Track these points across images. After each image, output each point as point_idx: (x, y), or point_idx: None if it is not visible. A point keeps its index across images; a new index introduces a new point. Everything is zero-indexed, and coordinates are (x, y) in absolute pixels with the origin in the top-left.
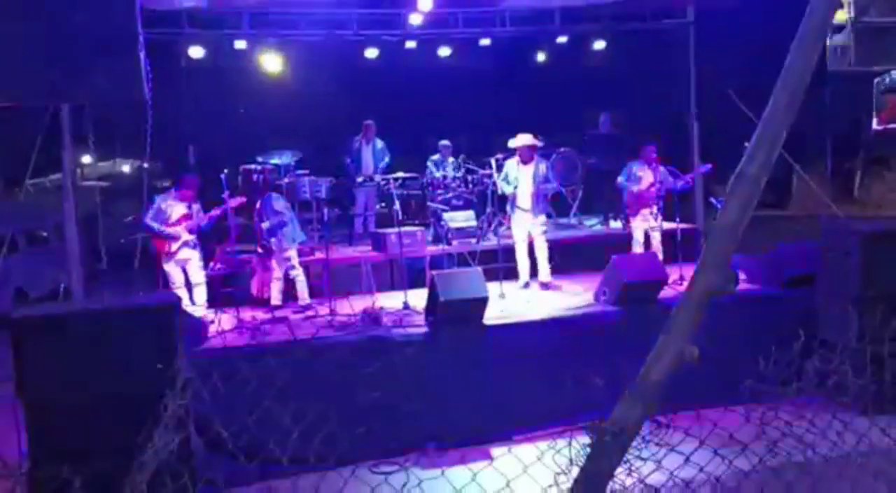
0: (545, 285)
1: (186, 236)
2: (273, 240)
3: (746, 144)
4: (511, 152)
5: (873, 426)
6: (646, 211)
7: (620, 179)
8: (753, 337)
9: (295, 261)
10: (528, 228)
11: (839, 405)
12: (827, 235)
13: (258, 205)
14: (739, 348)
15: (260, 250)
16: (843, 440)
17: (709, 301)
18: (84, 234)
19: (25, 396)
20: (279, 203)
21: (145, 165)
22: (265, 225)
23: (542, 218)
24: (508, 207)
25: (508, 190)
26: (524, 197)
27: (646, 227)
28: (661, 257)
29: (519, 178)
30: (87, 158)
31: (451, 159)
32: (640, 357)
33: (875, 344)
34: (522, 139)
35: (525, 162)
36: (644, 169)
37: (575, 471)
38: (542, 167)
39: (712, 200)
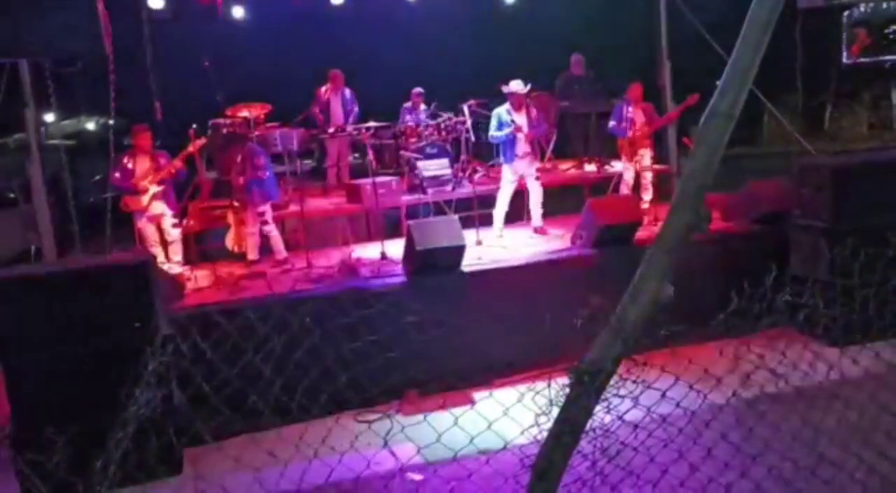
0: (539, 230)
1: (155, 189)
2: (248, 195)
3: (718, 82)
4: (490, 98)
5: (843, 356)
6: (642, 151)
7: (613, 123)
8: (727, 273)
9: (268, 217)
10: (521, 175)
11: (810, 337)
12: (798, 171)
13: (239, 158)
14: (713, 284)
15: (236, 204)
16: (815, 371)
17: (683, 241)
18: (52, 194)
19: (4, 358)
20: (261, 159)
21: (111, 123)
22: (242, 179)
23: (537, 164)
24: (502, 156)
25: (506, 131)
26: (522, 143)
27: (639, 168)
28: (650, 196)
29: (514, 123)
30: (50, 117)
31: (423, 107)
32: (618, 299)
33: (845, 276)
34: (513, 86)
35: (518, 109)
36: (634, 109)
37: (555, 411)
38: (534, 112)
39: (685, 139)
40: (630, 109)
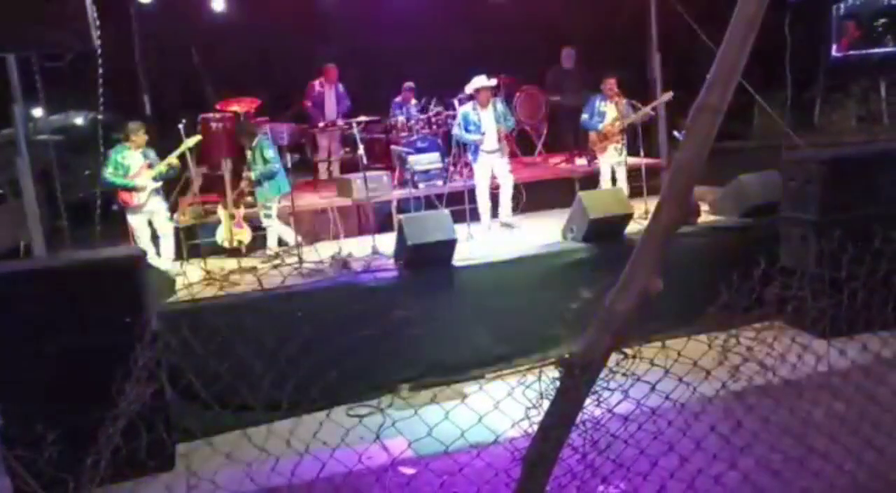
0: (506, 225)
1: (152, 185)
2: (258, 190)
3: (707, 76)
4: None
5: (831, 347)
6: (612, 146)
7: (585, 116)
8: (717, 266)
9: (273, 211)
10: (492, 170)
11: (799, 329)
12: (788, 164)
13: (248, 153)
14: (703, 277)
15: (249, 198)
16: (803, 363)
17: (671, 234)
18: (41, 190)
19: None
20: (269, 152)
21: (99, 117)
22: (253, 174)
23: (507, 157)
24: (470, 155)
25: (473, 138)
26: (489, 140)
27: (612, 162)
28: (626, 192)
29: (481, 122)
30: (38, 112)
31: (413, 101)
32: (608, 292)
33: (833, 269)
34: (479, 82)
35: (484, 105)
36: (607, 104)
37: (545, 404)
38: (500, 105)
39: (675, 133)
40: (603, 103)
